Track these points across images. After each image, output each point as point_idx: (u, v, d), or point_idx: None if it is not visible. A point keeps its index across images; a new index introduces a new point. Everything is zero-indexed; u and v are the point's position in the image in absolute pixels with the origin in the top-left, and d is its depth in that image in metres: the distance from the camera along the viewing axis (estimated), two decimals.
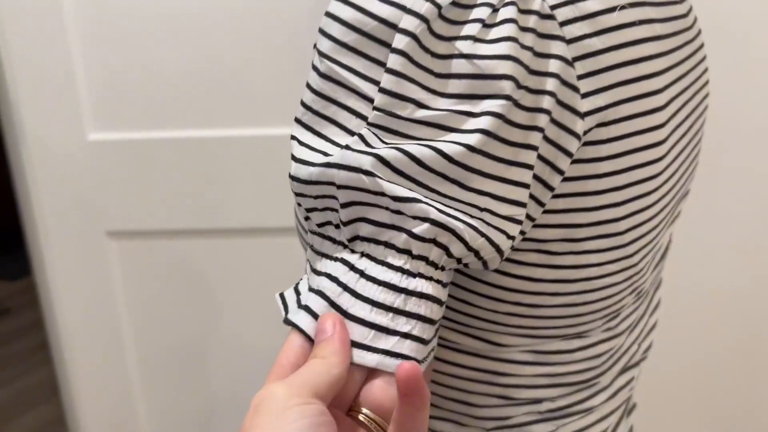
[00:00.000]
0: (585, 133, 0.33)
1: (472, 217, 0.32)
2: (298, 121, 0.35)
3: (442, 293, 0.33)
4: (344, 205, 0.33)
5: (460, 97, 0.30)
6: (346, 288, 0.32)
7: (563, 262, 0.36)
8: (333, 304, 0.32)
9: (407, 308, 0.32)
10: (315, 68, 0.34)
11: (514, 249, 0.36)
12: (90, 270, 1.28)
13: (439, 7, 0.30)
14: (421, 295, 0.32)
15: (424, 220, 0.31)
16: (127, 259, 1.29)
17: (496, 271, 0.37)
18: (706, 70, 0.48)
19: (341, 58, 0.32)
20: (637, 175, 0.36)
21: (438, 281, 0.33)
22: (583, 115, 0.32)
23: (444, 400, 0.43)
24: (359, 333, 0.32)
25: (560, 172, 0.33)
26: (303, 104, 0.34)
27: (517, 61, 0.30)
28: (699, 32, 0.47)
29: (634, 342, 0.47)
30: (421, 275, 0.32)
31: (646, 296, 0.46)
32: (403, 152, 0.30)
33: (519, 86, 0.31)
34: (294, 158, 0.35)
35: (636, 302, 0.44)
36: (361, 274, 0.32)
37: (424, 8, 0.30)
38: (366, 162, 0.31)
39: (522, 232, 0.34)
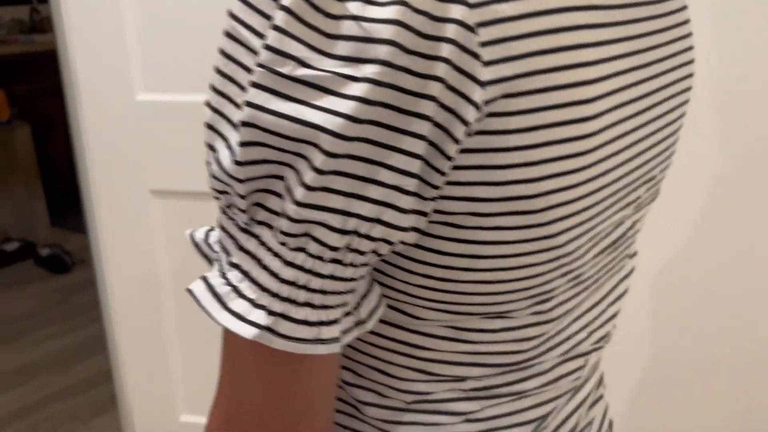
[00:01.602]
0: (487, 102, 0.32)
1: None
2: (211, 86, 0.35)
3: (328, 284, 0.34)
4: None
5: (345, 60, 0.30)
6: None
7: (472, 237, 0.35)
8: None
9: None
10: (225, 30, 0.34)
11: (435, 222, 0.35)
12: (134, 227, 1.34)
13: None
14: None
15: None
16: (170, 217, 1.34)
17: (422, 249, 0.36)
18: (689, 62, 0.46)
19: (243, 16, 0.33)
20: (554, 151, 0.34)
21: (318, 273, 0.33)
22: (483, 84, 0.31)
23: (366, 368, 0.43)
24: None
25: (455, 140, 0.32)
26: (215, 69, 0.35)
27: (403, 26, 0.29)
28: (682, 22, 0.44)
29: (582, 330, 0.46)
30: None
31: (595, 283, 0.44)
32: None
33: (406, 51, 0.30)
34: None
35: (575, 288, 0.42)
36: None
37: None
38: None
39: (429, 201, 0.33)
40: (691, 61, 0.47)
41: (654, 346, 1.23)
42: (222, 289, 0.34)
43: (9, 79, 3.08)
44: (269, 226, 0.33)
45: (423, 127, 0.31)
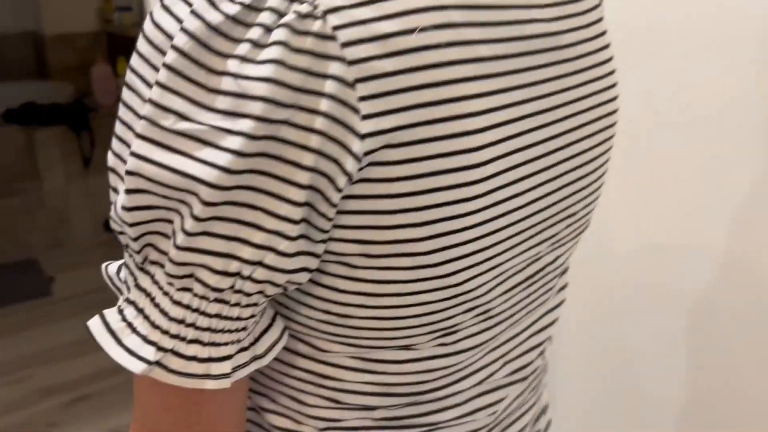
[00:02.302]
0: (367, 153, 0.33)
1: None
2: (114, 132, 0.37)
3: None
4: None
5: (223, 113, 0.32)
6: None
7: (365, 276, 0.37)
8: None
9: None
10: (125, 80, 0.36)
11: (328, 261, 0.37)
12: None
13: (210, 25, 0.32)
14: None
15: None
16: None
17: (313, 282, 0.38)
18: (609, 100, 0.47)
19: (137, 67, 0.34)
20: (440, 197, 0.35)
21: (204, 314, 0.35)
22: (362, 136, 0.33)
23: (280, 395, 0.44)
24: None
25: (338, 189, 0.33)
26: (117, 117, 0.37)
27: (277, 83, 0.31)
28: (598, 63, 0.45)
29: (496, 361, 0.47)
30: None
31: (510, 318, 0.46)
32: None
33: (283, 106, 0.31)
34: None
35: (486, 322, 0.43)
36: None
37: (194, 26, 0.32)
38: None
39: (316, 245, 0.35)
40: (612, 99, 0.48)
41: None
42: (117, 325, 0.36)
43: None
44: (161, 266, 0.35)
45: (304, 177, 0.33)
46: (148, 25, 0.34)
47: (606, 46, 0.48)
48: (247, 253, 0.34)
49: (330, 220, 0.35)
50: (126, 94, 0.35)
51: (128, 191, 0.33)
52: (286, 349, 0.42)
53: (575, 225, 0.48)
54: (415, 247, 0.36)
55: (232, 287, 0.34)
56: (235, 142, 0.31)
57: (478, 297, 0.41)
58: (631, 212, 1.06)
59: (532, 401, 0.55)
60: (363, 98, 0.32)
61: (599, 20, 0.47)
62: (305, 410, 0.44)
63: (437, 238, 0.36)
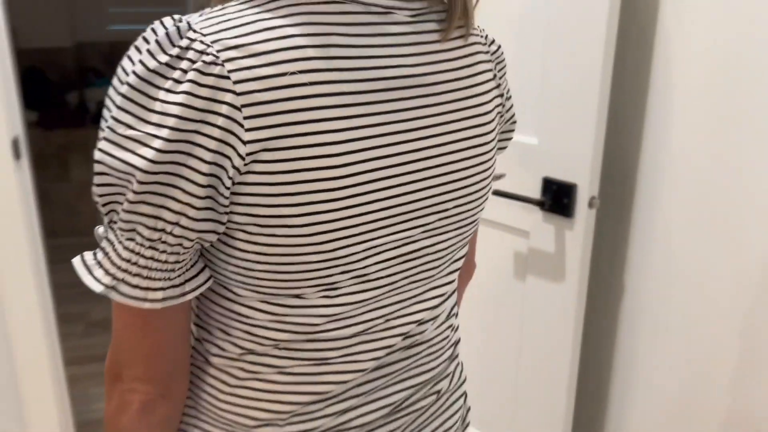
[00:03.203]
0: (249, 154, 0.50)
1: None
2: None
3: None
4: None
5: (154, 125, 0.49)
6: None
7: (258, 240, 0.53)
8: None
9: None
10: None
11: (232, 228, 0.53)
12: None
13: (149, 69, 0.49)
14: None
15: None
16: None
17: (229, 246, 0.55)
18: (480, 125, 0.62)
19: (110, 94, 0.52)
20: (308, 187, 0.51)
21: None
22: (245, 142, 0.49)
23: (213, 328, 0.61)
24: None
25: (230, 178, 0.50)
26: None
27: (186, 106, 0.48)
28: (458, 88, 0.60)
29: (378, 318, 0.62)
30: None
31: (391, 285, 0.61)
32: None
33: (190, 120, 0.48)
34: None
35: (364, 284, 0.59)
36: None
37: (140, 69, 0.49)
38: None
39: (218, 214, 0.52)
40: (482, 122, 0.63)
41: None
42: (90, 262, 0.54)
43: None
44: (116, 223, 0.52)
45: (206, 168, 0.50)
46: (118, 67, 0.52)
47: (481, 84, 0.63)
48: (168, 216, 0.51)
49: (227, 198, 0.51)
50: (104, 110, 0.53)
51: (95, 174, 0.51)
52: (215, 293, 0.59)
53: (450, 219, 0.63)
54: (291, 221, 0.52)
55: (159, 239, 0.51)
56: (157, 143, 0.49)
57: (351, 263, 0.56)
58: None
59: (430, 365, 0.70)
60: (246, 117, 0.49)
61: (474, 66, 0.63)
62: (230, 339, 0.60)
63: (308, 215, 0.52)
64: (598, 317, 1.57)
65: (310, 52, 0.51)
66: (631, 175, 1.42)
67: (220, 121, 0.49)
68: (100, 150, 0.50)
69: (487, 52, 0.67)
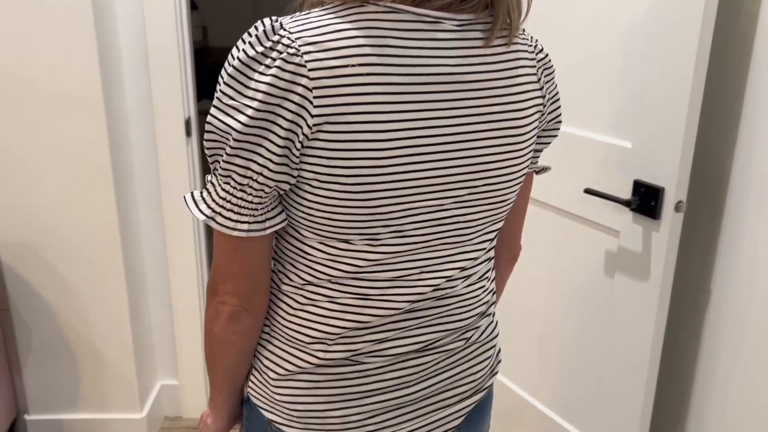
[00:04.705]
0: (315, 125, 0.66)
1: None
2: None
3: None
4: None
5: (248, 98, 0.66)
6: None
7: (318, 193, 0.69)
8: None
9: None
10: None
11: (301, 182, 0.70)
12: None
13: (248, 55, 0.66)
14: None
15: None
16: None
17: (298, 196, 0.71)
18: (509, 110, 0.74)
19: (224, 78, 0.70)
20: (359, 155, 0.67)
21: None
22: (313, 116, 0.66)
23: (285, 262, 0.78)
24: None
25: (300, 142, 0.67)
26: None
27: (271, 85, 0.65)
28: (497, 86, 0.73)
29: (414, 268, 0.76)
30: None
31: (425, 243, 0.75)
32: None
33: (274, 96, 0.65)
34: None
35: (402, 239, 0.73)
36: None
37: (241, 55, 0.67)
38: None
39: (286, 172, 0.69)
40: (516, 118, 0.75)
41: None
42: (197, 197, 0.73)
43: None
44: (217, 170, 0.71)
45: (283, 133, 0.66)
46: (230, 53, 0.70)
47: (519, 84, 0.75)
48: (255, 167, 0.68)
49: (298, 158, 0.68)
50: (217, 85, 0.72)
51: (205, 132, 0.70)
52: (288, 234, 0.76)
53: (479, 195, 0.76)
54: (344, 179, 0.68)
55: (248, 184, 0.69)
56: (249, 111, 0.66)
57: (390, 219, 0.71)
58: None
59: (461, 316, 0.83)
60: (315, 97, 0.65)
61: (514, 69, 0.75)
62: (296, 271, 0.77)
63: (357, 177, 0.68)
64: (684, 320, 1.60)
65: (368, 50, 0.66)
66: (723, 182, 1.44)
67: (296, 98, 0.65)
68: (210, 114, 0.69)
69: (533, 59, 0.79)
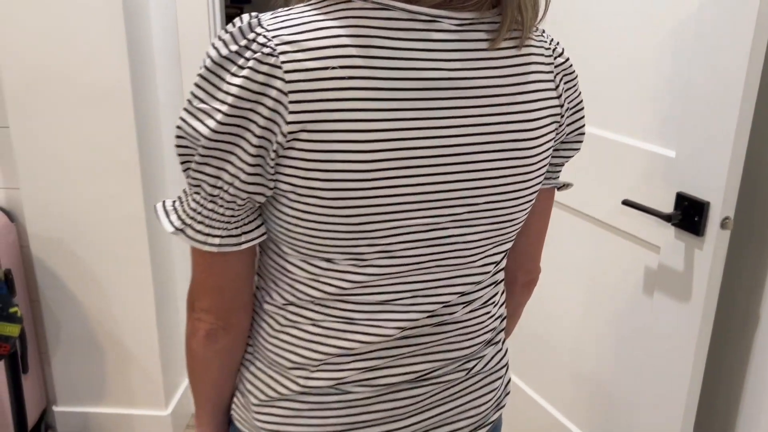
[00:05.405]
0: (290, 132, 0.59)
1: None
2: None
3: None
4: None
5: (219, 101, 0.60)
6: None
7: (296, 207, 0.63)
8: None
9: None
10: None
11: (278, 193, 0.63)
12: None
13: (221, 55, 0.60)
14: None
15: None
16: None
17: (276, 209, 0.65)
18: (518, 120, 0.66)
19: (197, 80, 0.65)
20: (338, 166, 0.60)
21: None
22: (287, 122, 0.59)
23: (267, 279, 0.72)
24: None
25: (274, 150, 0.60)
26: None
27: (243, 88, 0.59)
28: (506, 93, 0.65)
29: (405, 292, 0.69)
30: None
31: (418, 265, 0.67)
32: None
33: (246, 99, 0.59)
34: None
35: (390, 259, 0.66)
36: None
37: (214, 54, 0.60)
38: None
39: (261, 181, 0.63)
40: (526, 130, 0.67)
41: None
42: (168, 207, 0.67)
43: None
44: (187, 179, 0.65)
45: (255, 140, 0.60)
46: (204, 55, 0.65)
47: (531, 92, 0.67)
48: (226, 177, 0.62)
49: (273, 168, 0.61)
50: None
51: (175, 136, 0.64)
52: (270, 249, 0.70)
53: (481, 214, 0.68)
54: (322, 193, 0.61)
55: (218, 195, 0.63)
56: (219, 116, 0.60)
57: (376, 238, 0.64)
58: None
59: (461, 345, 0.75)
60: (291, 102, 0.59)
61: (526, 75, 0.67)
62: (277, 290, 0.71)
63: (337, 191, 0.61)
64: (729, 347, 1.47)
65: (352, 51, 0.60)
66: None
67: (270, 103, 0.59)
68: (180, 117, 0.63)
69: (550, 64, 0.70)
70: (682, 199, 1.33)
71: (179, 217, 0.66)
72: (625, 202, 1.43)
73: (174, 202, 0.68)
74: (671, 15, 1.35)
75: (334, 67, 0.59)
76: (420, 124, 0.62)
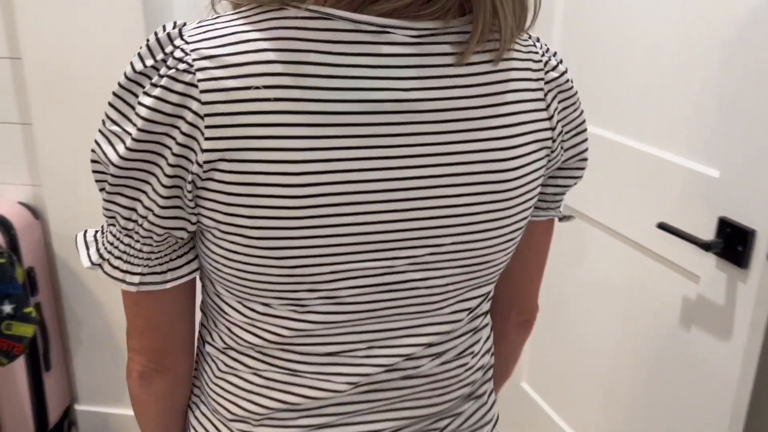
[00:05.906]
0: (207, 162, 0.51)
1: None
2: None
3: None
4: None
5: (130, 123, 0.52)
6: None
7: (221, 244, 0.54)
8: None
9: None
10: None
11: (202, 229, 0.55)
12: None
13: (135, 71, 0.52)
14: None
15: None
16: None
17: (204, 246, 0.57)
18: (487, 150, 0.56)
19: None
20: (264, 201, 0.51)
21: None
22: (203, 150, 0.51)
23: (209, 318, 0.64)
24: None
25: (189, 180, 0.52)
26: None
27: (154, 110, 0.50)
28: (472, 117, 0.55)
29: (359, 342, 0.59)
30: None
31: (370, 312, 0.58)
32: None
33: (156, 123, 0.51)
34: None
35: (336, 306, 0.57)
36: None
37: (128, 70, 0.53)
38: None
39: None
40: (503, 159, 0.57)
41: None
42: (89, 239, 0.60)
43: None
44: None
45: (170, 170, 0.52)
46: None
47: (509, 115, 0.56)
48: (140, 209, 0.54)
49: (192, 201, 0.53)
50: None
51: (91, 160, 0.56)
52: (209, 287, 0.62)
53: (448, 256, 0.58)
54: (247, 231, 0.53)
55: (132, 229, 0.55)
56: (128, 141, 0.52)
57: (316, 283, 0.55)
58: None
59: (432, 401, 0.65)
60: (207, 126, 0.50)
61: (503, 94, 0.56)
62: (216, 331, 0.63)
63: (263, 229, 0.52)
64: None
65: (279, 68, 0.51)
66: None
67: (184, 127, 0.51)
68: (95, 139, 0.55)
69: (539, 80, 0.59)
70: (724, 225, 1.18)
71: (98, 250, 0.59)
72: (661, 226, 1.29)
73: (96, 232, 0.60)
74: (721, 18, 1.20)
75: (257, 87, 0.50)
76: (365, 153, 0.52)
